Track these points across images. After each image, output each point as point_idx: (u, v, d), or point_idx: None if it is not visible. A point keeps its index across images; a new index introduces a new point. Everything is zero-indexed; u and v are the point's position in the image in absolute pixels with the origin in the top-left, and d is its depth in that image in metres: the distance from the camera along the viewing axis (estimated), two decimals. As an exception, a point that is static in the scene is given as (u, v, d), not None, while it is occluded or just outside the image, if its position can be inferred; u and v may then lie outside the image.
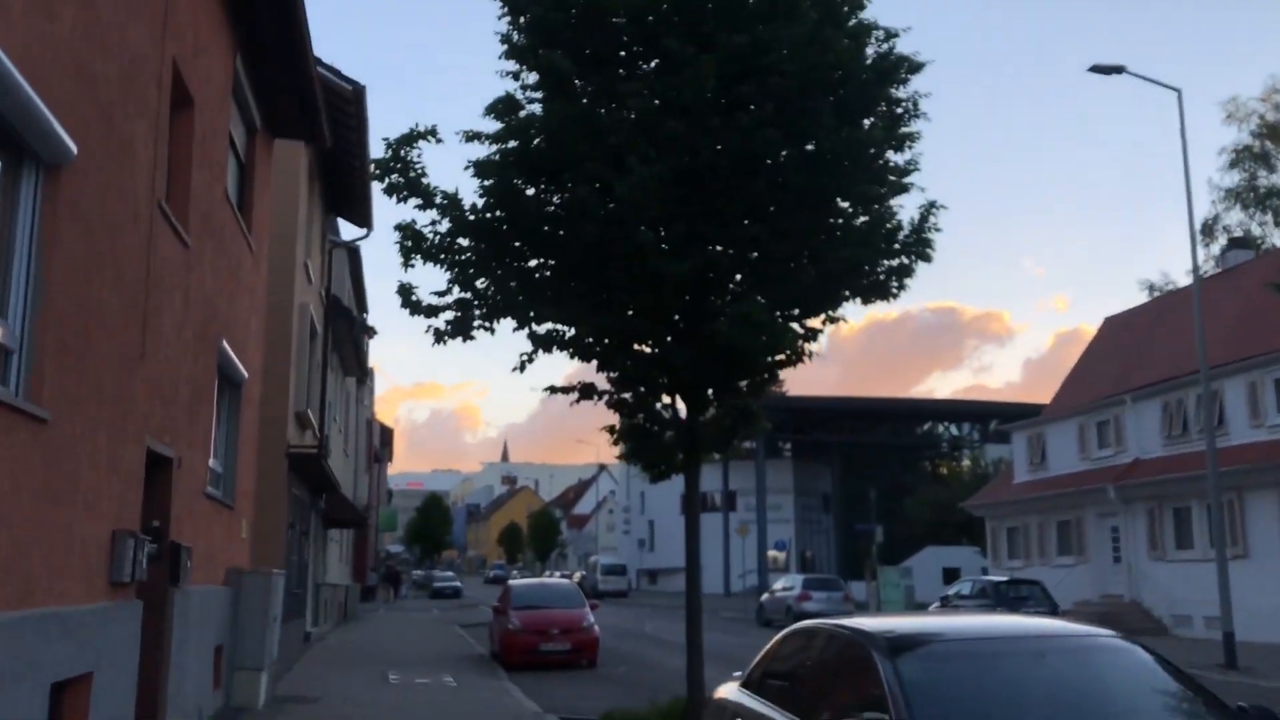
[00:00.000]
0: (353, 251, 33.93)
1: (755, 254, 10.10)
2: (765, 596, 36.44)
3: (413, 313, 10.44)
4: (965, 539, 59.55)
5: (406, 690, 15.37)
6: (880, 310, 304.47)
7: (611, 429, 11.15)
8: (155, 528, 9.22)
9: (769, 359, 10.36)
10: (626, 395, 10.84)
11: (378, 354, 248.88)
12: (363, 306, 38.79)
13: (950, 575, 58.89)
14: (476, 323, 10.41)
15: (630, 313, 10.05)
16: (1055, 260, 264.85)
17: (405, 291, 10.47)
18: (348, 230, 28.04)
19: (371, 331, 43.24)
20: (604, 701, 15.28)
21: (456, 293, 10.46)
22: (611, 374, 10.85)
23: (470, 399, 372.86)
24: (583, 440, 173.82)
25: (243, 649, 12.32)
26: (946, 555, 58.90)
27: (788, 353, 10.44)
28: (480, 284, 10.34)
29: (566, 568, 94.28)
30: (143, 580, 8.41)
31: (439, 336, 10.45)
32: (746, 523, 67.98)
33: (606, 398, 10.93)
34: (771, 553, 60.49)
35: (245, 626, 12.37)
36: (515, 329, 10.51)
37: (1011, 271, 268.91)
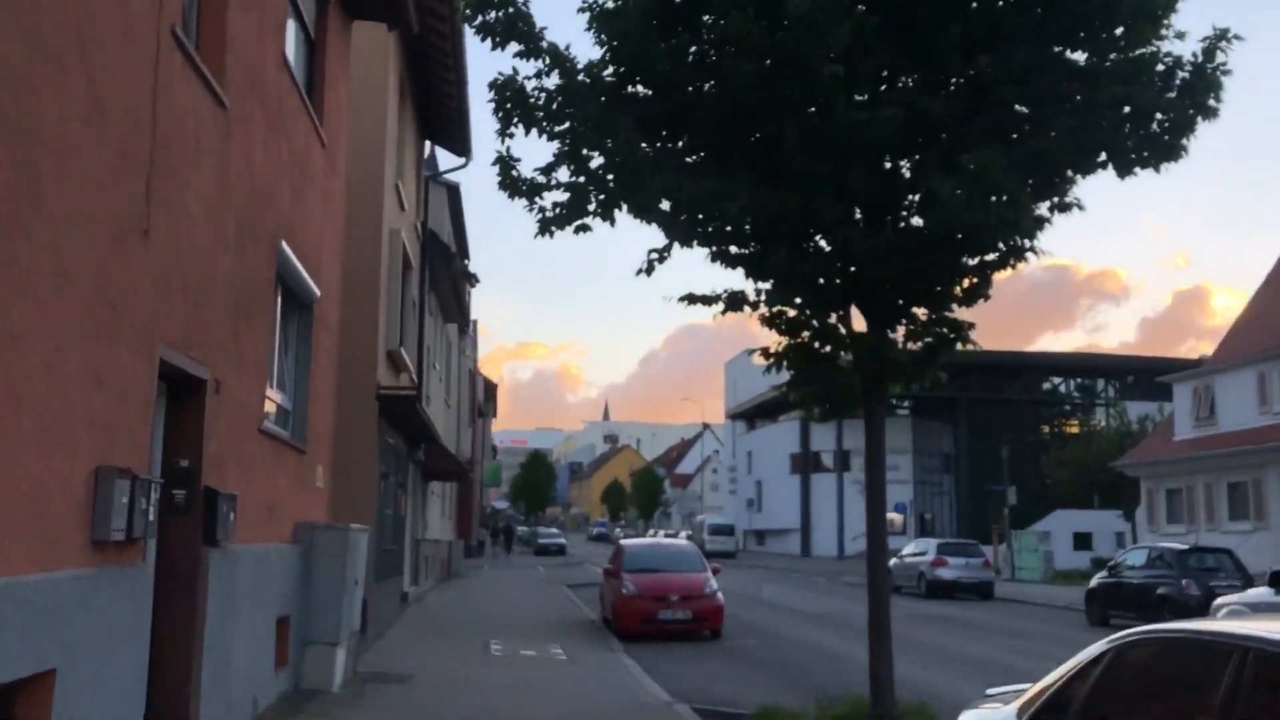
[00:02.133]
0: (452, 190, 32.01)
1: (980, 103, 7.37)
2: (893, 562, 33.59)
3: (513, 194, 8.06)
4: (1106, 502, 55.70)
5: (511, 666, 13.23)
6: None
7: (767, 353, 8.62)
8: (183, 469, 7.07)
9: (1000, 245, 7.67)
10: (789, 306, 8.30)
11: (481, 311, 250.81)
12: (464, 251, 36.88)
13: (1082, 540, 55.22)
14: (592, 207, 7.98)
15: (794, 193, 7.44)
16: (1175, 215, 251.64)
17: (505, 165, 8.05)
18: (445, 161, 25.96)
19: (473, 279, 41.43)
20: (739, 686, 12.93)
21: (565, 174, 8.04)
22: (764, 281, 8.29)
23: (571, 359, 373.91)
24: (687, 398, 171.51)
25: (315, 620, 10.24)
26: (1078, 519, 55.10)
27: (1016, 243, 7.72)
28: (596, 161, 7.88)
29: (670, 527, 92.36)
30: (156, 539, 6.25)
31: (544, 226, 8.07)
32: (860, 482, 65.04)
33: (761, 310, 8.40)
34: (890, 515, 57.37)
35: (318, 592, 10.28)
36: (640, 217, 8.03)
37: (1128, 228, 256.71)
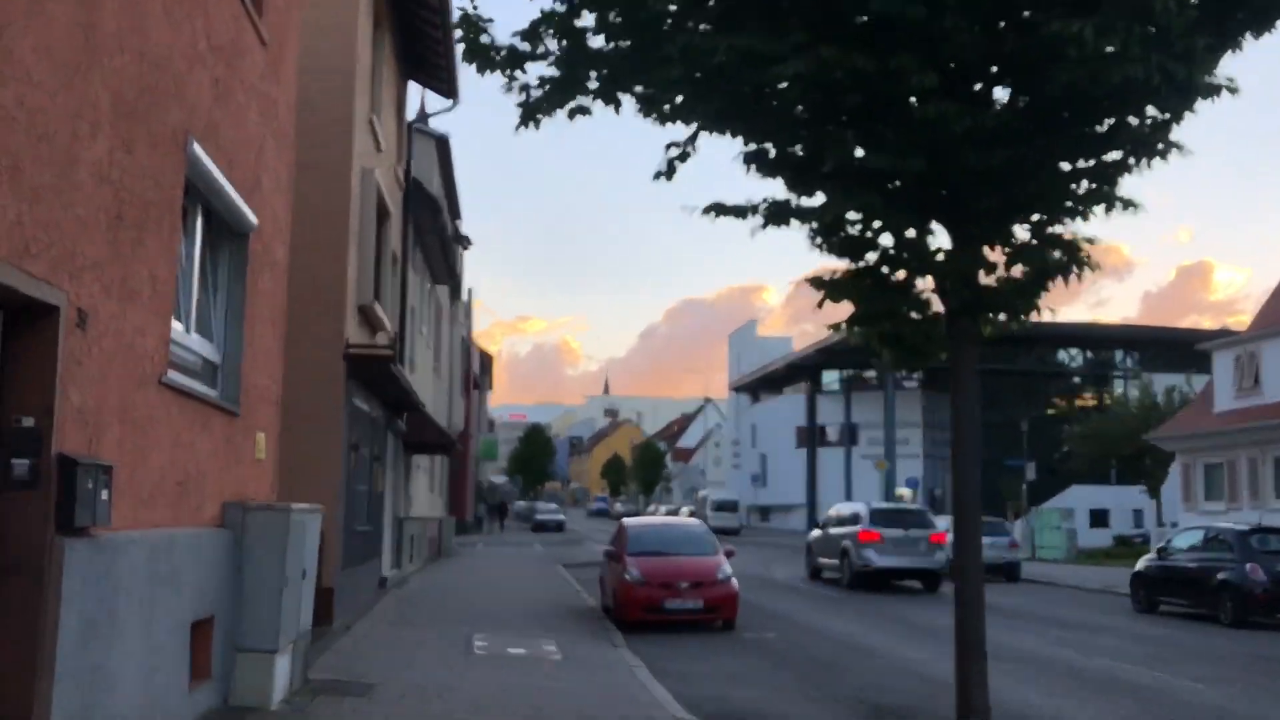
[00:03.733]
0: (442, 144, 29.94)
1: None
2: (911, 540, 31.72)
3: (483, 66, 6.05)
4: (1123, 477, 53.85)
5: (495, 667, 11.32)
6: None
7: (819, 282, 6.63)
8: (23, 430, 5.12)
9: (1145, 122, 5.63)
10: (850, 219, 6.31)
11: (477, 283, 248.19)
12: (455, 211, 34.84)
13: (1098, 517, 53.35)
14: (593, 84, 5.97)
15: (868, 54, 5.39)
16: (1178, 190, 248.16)
17: (472, 27, 6.01)
18: (432, 104, 23.87)
19: (465, 240, 39.39)
20: (763, 691, 11.04)
21: (555, 43, 6.01)
22: (817, 189, 6.28)
23: (570, 333, 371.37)
24: (691, 370, 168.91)
25: (248, 622, 8.31)
26: (1096, 495, 53.29)
27: (1165, 120, 5.68)
28: (592, 18, 5.85)
29: (672, 502, 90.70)
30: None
31: (528, 113, 6.08)
32: (873, 457, 63.14)
33: (814, 224, 6.41)
34: (900, 490, 55.57)
35: (252, 588, 8.34)
36: (652, 105, 6.04)
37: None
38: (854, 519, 24.84)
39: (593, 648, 13.27)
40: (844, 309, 6.72)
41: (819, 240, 6.51)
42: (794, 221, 6.35)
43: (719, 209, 6.42)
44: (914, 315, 6.50)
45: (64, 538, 5.22)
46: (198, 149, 7.23)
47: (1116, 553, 39.91)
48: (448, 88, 21.93)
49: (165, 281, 6.78)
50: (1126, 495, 54.66)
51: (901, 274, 6.47)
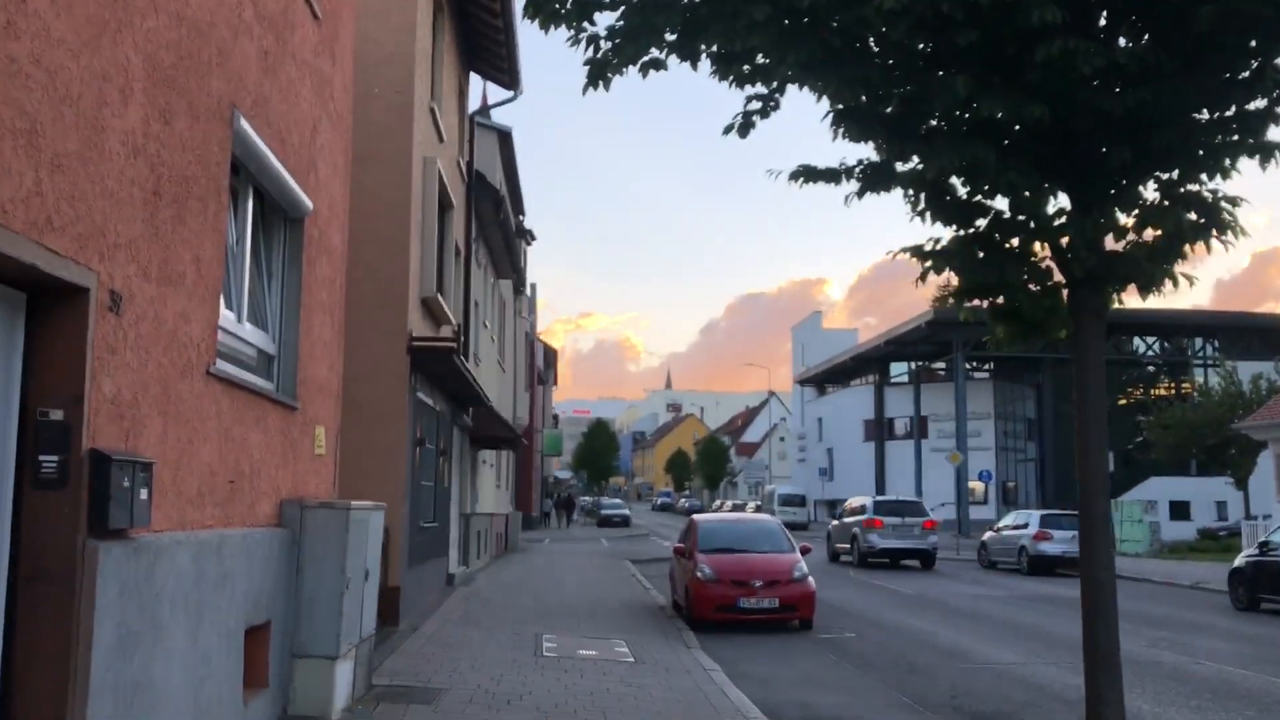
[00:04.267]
0: (504, 138, 29.57)
1: None
2: (989, 535, 30.85)
3: (546, 21, 5.47)
4: (1204, 468, 52.00)
5: (566, 671, 10.81)
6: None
7: (920, 252, 5.96)
8: (52, 423, 4.67)
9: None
10: (957, 181, 5.65)
11: (540, 281, 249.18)
12: (518, 207, 34.49)
13: (1179, 510, 51.54)
14: (669, 34, 5.38)
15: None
16: (1253, 174, 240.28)
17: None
18: (494, 95, 23.44)
19: (529, 235, 39.05)
20: (850, 697, 10.40)
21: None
22: (918, 150, 5.62)
23: (632, 329, 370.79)
24: (752, 364, 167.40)
25: (307, 627, 7.88)
26: (1176, 487, 51.52)
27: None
28: None
29: (737, 496, 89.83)
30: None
31: (597, 71, 5.51)
32: (943, 450, 61.78)
33: (911, 191, 5.75)
34: (973, 483, 54.28)
35: (310, 591, 7.91)
36: (730, 59, 5.43)
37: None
38: (861, 510, 29.92)
39: (665, 649, 12.71)
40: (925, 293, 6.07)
41: (921, 206, 5.85)
42: (894, 188, 5.71)
43: (809, 173, 5.80)
44: (1032, 287, 5.80)
45: (97, 541, 4.76)
46: (245, 124, 6.77)
47: (1202, 546, 38.44)
48: (509, 79, 21.50)
49: (211, 264, 6.33)
50: (1209, 487, 52.78)
51: (1016, 240, 5.79)
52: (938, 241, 5.94)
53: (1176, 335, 63.02)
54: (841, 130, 5.87)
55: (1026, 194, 5.49)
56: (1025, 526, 28.34)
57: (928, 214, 5.85)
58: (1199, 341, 61.71)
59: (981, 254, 5.76)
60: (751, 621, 15.04)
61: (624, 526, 58.57)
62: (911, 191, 5.79)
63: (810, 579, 15.56)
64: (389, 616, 13.26)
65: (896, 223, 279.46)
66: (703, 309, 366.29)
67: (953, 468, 59.36)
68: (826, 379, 79.90)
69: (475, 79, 22.99)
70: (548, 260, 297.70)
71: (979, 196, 5.75)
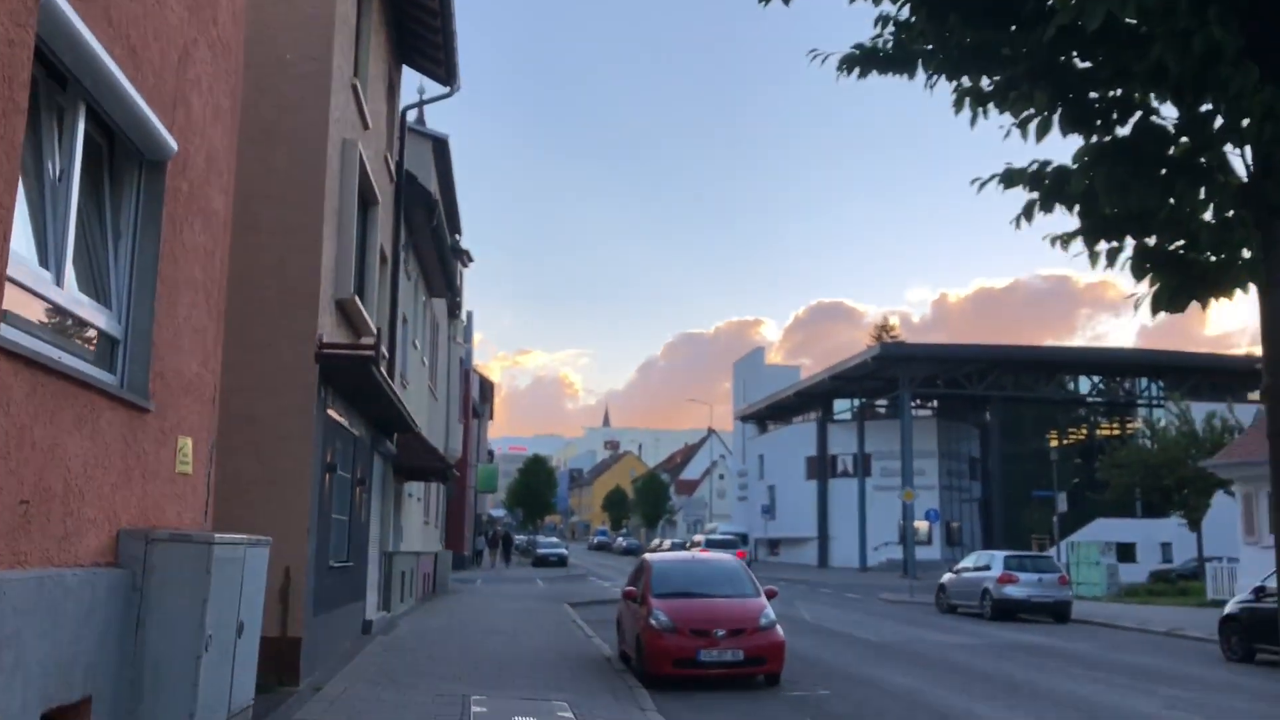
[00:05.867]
0: (440, 146, 27.68)
1: None
2: (948, 577, 29.26)
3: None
4: (1151, 510, 51.22)
5: (497, 746, 8.80)
6: (990, 278, 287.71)
7: (1024, 175, 4.15)
8: None
9: None
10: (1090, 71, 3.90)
11: (479, 314, 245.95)
12: (454, 224, 32.52)
13: (1125, 551, 50.57)
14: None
15: None
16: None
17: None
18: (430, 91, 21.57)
19: (465, 255, 37.05)
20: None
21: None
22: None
23: (570, 368, 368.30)
24: (694, 399, 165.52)
25: (149, 702, 5.83)
26: (1122, 528, 50.64)
27: None
28: None
29: (676, 535, 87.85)
30: None
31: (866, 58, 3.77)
32: (887, 489, 60.54)
33: (1024, 72, 3.99)
34: (919, 522, 52.92)
35: (155, 653, 5.88)
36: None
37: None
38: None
39: (616, 713, 10.76)
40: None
41: (1034, 110, 4.04)
42: (992, 72, 3.95)
43: (866, 59, 4.05)
44: (1205, 218, 4.05)
45: None
46: (71, 14, 4.84)
47: (1157, 589, 37.27)
48: (445, 72, 19.66)
49: (-7, 189, 4.36)
50: (1154, 528, 52.02)
51: (1169, 153, 4.04)
52: (1046, 166, 4.20)
53: (1118, 375, 62.65)
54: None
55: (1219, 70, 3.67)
56: (988, 569, 26.77)
57: (1047, 114, 4.07)
58: (1144, 381, 61.26)
59: (1130, 166, 3.99)
60: (713, 677, 13.13)
61: (561, 566, 56.25)
62: (1019, 77, 4.00)
63: (779, 627, 13.71)
64: (287, 675, 11.16)
65: (833, 261, 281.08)
66: (641, 348, 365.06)
67: (896, 507, 58.11)
68: (768, 415, 78.51)
69: (410, 78, 21.20)
70: (485, 294, 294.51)
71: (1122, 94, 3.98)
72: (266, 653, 10.92)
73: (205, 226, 7.30)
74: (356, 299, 13.18)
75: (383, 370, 13.50)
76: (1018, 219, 4.28)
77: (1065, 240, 4.30)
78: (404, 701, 10.69)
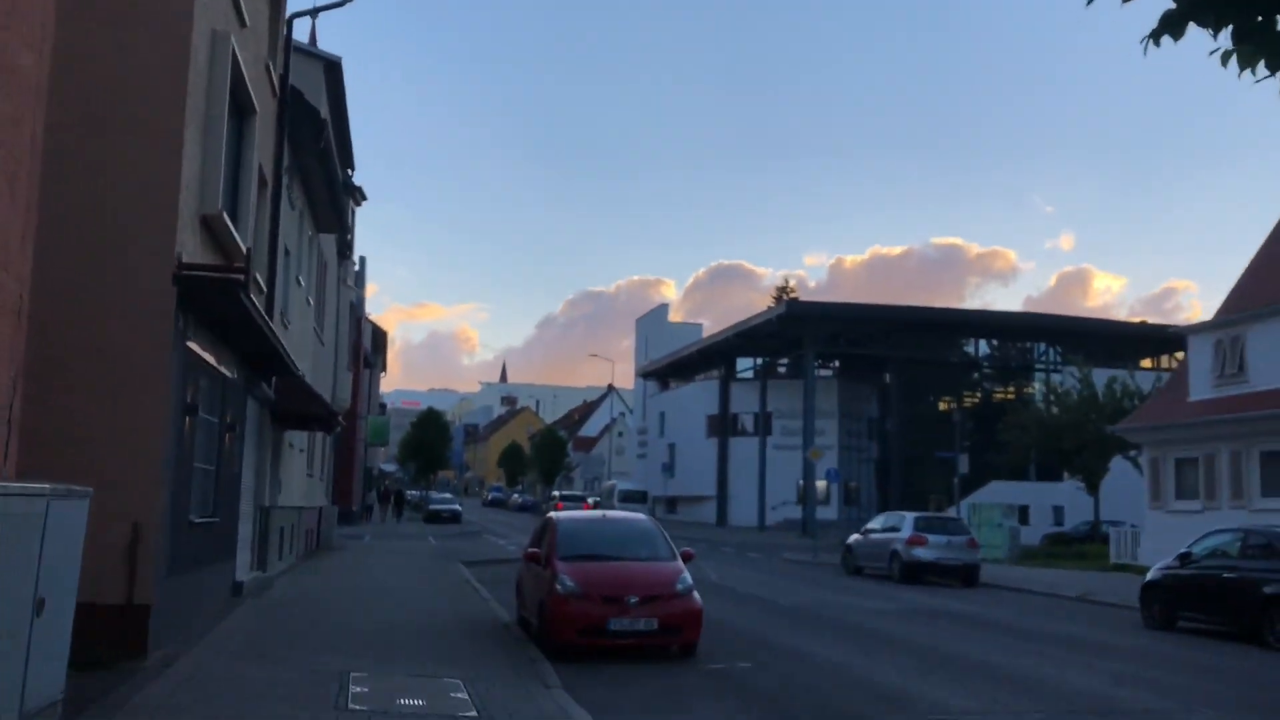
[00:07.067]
0: (332, 69, 25.58)
1: None
2: (855, 538, 28.58)
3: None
4: (1044, 473, 51.83)
5: (378, 737, 7.40)
6: (884, 244, 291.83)
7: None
8: None
9: None
10: None
11: (374, 263, 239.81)
12: (346, 157, 30.38)
13: (1019, 515, 51.13)
14: None
15: None
16: (1064, 198, 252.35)
17: None
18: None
19: (359, 193, 34.91)
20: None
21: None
22: None
23: (468, 322, 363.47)
24: (596, 355, 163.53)
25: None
26: (1016, 491, 51.09)
27: None
28: None
29: (573, 490, 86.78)
30: None
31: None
32: (787, 448, 60.27)
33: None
34: (820, 482, 52.74)
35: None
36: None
37: (1019, 209, 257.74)
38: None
39: (517, 691, 9.43)
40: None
41: None
42: None
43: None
44: None
45: None
46: None
47: (1056, 552, 37.41)
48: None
49: None
50: (1047, 491, 52.71)
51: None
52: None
53: (1016, 340, 63.23)
54: None
55: None
56: (897, 530, 26.11)
57: None
58: (1041, 346, 61.90)
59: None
60: (624, 648, 11.90)
61: (454, 523, 54.62)
62: None
63: (696, 594, 12.53)
64: (134, 646, 9.56)
65: (733, 222, 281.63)
66: (540, 305, 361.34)
67: (795, 466, 57.89)
68: (670, 373, 77.66)
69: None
70: (380, 243, 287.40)
71: None
72: (106, 623, 9.31)
73: (2, 86, 5.63)
74: (225, 216, 11.44)
75: (255, 300, 11.81)
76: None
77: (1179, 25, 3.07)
78: (270, 679, 9.19)
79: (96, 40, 10.21)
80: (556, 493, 71.85)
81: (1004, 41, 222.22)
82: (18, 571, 4.86)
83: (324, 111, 23.15)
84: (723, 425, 67.46)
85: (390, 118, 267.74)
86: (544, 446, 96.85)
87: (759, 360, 68.15)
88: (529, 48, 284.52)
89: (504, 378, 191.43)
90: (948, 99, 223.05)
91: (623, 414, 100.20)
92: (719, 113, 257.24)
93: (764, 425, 64.43)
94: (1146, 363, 58.95)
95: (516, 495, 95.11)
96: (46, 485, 5.28)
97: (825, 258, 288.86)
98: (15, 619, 4.90)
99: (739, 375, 69.27)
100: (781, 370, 67.98)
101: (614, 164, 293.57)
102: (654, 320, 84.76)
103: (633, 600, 11.96)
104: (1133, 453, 34.86)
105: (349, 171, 31.73)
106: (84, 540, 6.30)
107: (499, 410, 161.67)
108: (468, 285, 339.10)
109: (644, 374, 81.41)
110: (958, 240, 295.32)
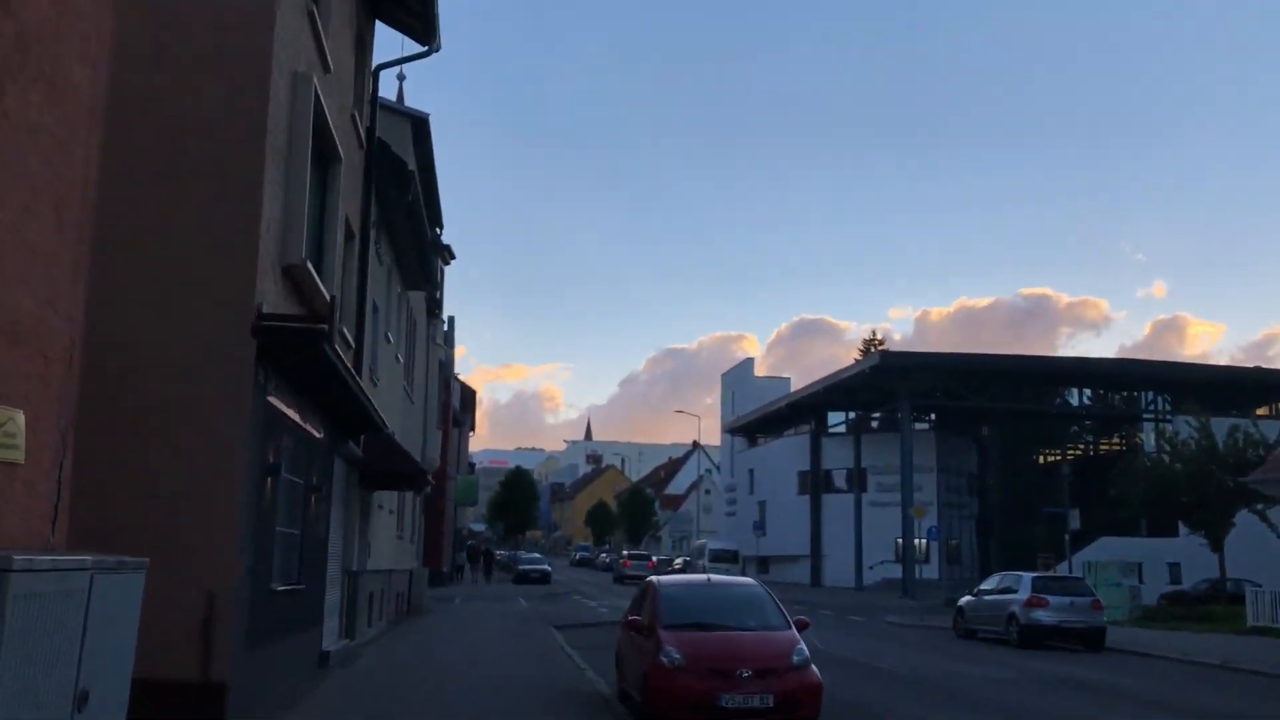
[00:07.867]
0: (420, 125, 25.40)
1: None
2: (966, 599, 26.98)
3: None
4: (1157, 528, 49.18)
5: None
6: (972, 296, 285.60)
7: None
8: None
9: None
10: None
11: (461, 323, 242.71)
12: (435, 215, 30.16)
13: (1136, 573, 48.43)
14: None
15: None
16: (1155, 246, 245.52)
17: None
18: (407, 49, 19.24)
19: (448, 251, 34.74)
20: None
21: None
22: None
23: (552, 382, 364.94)
24: (681, 410, 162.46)
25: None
26: (1127, 547, 48.46)
27: None
28: None
29: (660, 551, 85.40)
30: None
31: None
32: (883, 504, 58.34)
33: None
34: (919, 540, 50.76)
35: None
36: None
37: (1109, 257, 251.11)
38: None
39: (626, 780, 8.42)
40: None
41: None
42: None
43: None
44: None
45: None
46: None
47: (1180, 613, 35.01)
48: (423, 27, 17.44)
49: None
50: (1160, 547, 49.94)
51: None
52: None
53: (1122, 389, 60.65)
54: None
55: None
56: (1013, 591, 24.49)
57: None
58: (1149, 395, 59.23)
59: None
60: (736, 727, 10.80)
61: (544, 583, 53.70)
62: None
63: (814, 666, 11.39)
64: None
65: (815, 277, 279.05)
66: (622, 363, 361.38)
67: (891, 524, 55.91)
68: (758, 428, 76.19)
69: (386, 48, 18.95)
70: (467, 304, 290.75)
71: None
72: (178, 703, 8.59)
73: (52, 102, 4.99)
74: (309, 265, 10.86)
75: (340, 353, 11.17)
76: None
77: None
78: (355, 766, 8.34)
79: (174, 87, 9.77)
80: (625, 551, 70.49)
81: (1081, 94, 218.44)
82: (53, 661, 4.09)
83: (411, 162, 22.87)
84: (815, 482, 65.69)
85: (472, 167, 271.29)
86: (630, 505, 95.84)
87: (850, 414, 66.41)
88: (610, 107, 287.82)
89: (589, 435, 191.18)
90: (1034, 151, 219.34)
91: (709, 471, 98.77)
92: (799, 164, 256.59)
93: (859, 481, 62.51)
94: (1262, 410, 55.88)
95: (604, 555, 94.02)
96: (89, 556, 4.53)
97: (910, 310, 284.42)
98: (53, 714, 4.12)
99: (830, 430, 67.56)
100: (874, 425, 66.14)
101: (693, 219, 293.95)
102: (739, 375, 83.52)
103: (745, 674, 10.86)
104: (1261, 506, 32.57)
105: (438, 230, 31.55)
106: (146, 615, 5.54)
107: (584, 468, 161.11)
108: (551, 345, 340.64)
109: (731, 429, 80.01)
110: (1047, 290, 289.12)
